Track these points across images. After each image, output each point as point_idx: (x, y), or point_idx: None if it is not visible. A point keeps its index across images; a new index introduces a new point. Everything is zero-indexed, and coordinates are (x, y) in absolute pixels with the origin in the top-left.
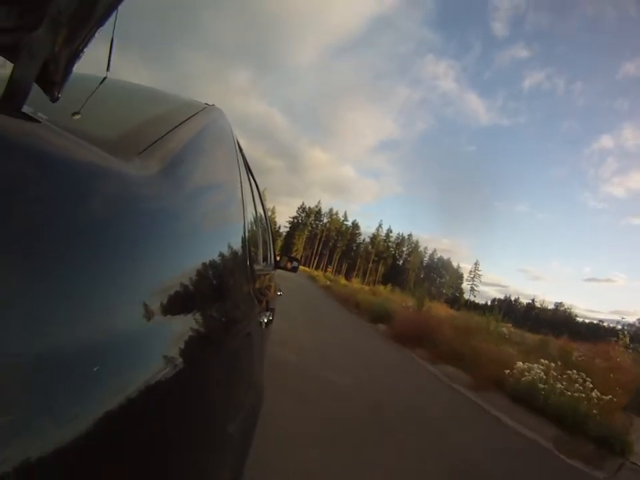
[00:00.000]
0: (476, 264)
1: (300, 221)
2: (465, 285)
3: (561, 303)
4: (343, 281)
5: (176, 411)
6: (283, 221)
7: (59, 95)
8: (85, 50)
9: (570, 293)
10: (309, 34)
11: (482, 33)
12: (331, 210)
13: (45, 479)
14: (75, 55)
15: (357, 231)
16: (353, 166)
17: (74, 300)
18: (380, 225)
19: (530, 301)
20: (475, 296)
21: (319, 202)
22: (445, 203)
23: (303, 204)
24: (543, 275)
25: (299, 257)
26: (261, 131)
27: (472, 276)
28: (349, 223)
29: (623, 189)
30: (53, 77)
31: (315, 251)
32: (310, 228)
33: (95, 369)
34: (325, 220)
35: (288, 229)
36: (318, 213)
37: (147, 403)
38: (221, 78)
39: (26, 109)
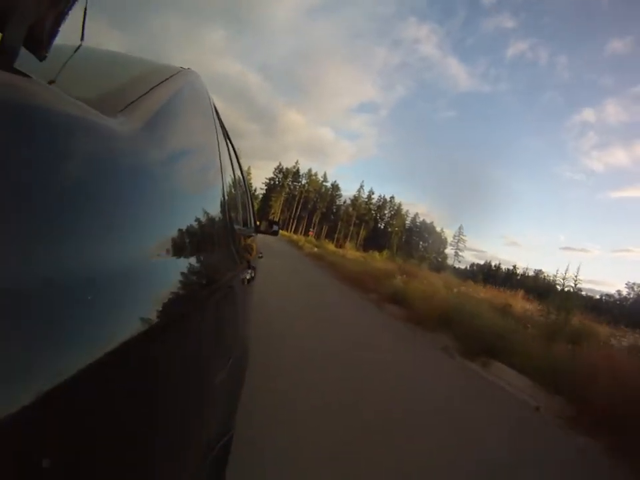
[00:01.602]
0: (460, 228)
1: (277, 182)
2: (448, 250)
3: (540, 270)
4: (330, 246)
5: (163, 359)
6: (258, 183)
7: (46, 54)
8: (69, 12)
9: (545, 260)
10: None
11: None
12: (309, 170)
13: (32, 413)
14: (61, 17)
15: (337, 193)
16: (330, 127)
17: (54, 250)
18: (361, 187)
19: (511, 267)
20: (459, 262)
21: (296, 162)
22: (422, 167)
23: (280, 164)
24: (519, 241)
25: (276, 220)
26: (235, 93)
27: (456, 240)
28: (329, 184)
29: (602, 163)
30: (39, 38)
31: (293, 213)
32: (288, 189)
33: (63, 333)
34: (304, 181)
35: (264, 191)
36: (296, 173)
37: (131, 356)
38: (193, 39)
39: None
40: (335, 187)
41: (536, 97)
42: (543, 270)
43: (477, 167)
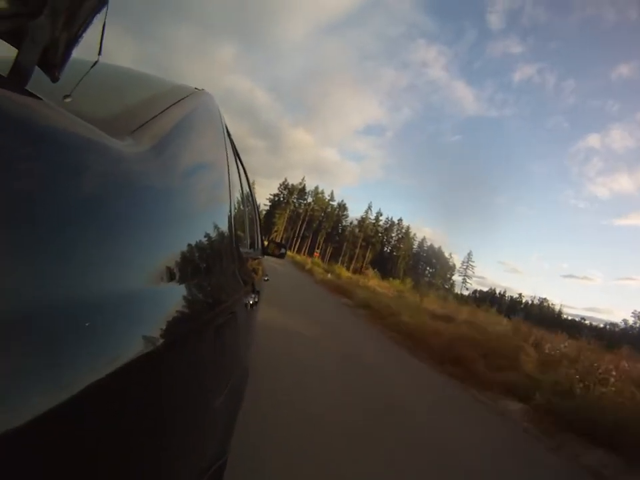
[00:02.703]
0: (469, 254)
1: (282, 199)
2: (456, 277)
3: (545, 298)
4: (343, 271)
5: (159, 383)
6: (262, 199)
7: (59, 76)
8: (83, 35)
9: (547, 287)
10: (297, 10)
11: (476, 22)
12: (316, 188)
13: (29, 439)
14: (74, 40)
15: (343, 213)
16: (336, 148)
17: (62, 270)
18: (369, 207)
19: (517, 295)
20: (467, 289)
21: (303, 179)
22: (426, 190)
23: (285, 180)
24: (520, 267)
25: (279, 238)
26: (243, 108)
27: (465, 267)
28: (335, 204)
29: (607, 189)
30: (53, 60)
31: (296, 232)
32: (292, 207)
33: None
34: (310, 199)
35: (268, 208)
36: (302, 190)
37: (130, 376)
38: (204, 53)
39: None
40: (342, 206)
41: (541, 122)
42: (547, 298)
43: (479, 192)
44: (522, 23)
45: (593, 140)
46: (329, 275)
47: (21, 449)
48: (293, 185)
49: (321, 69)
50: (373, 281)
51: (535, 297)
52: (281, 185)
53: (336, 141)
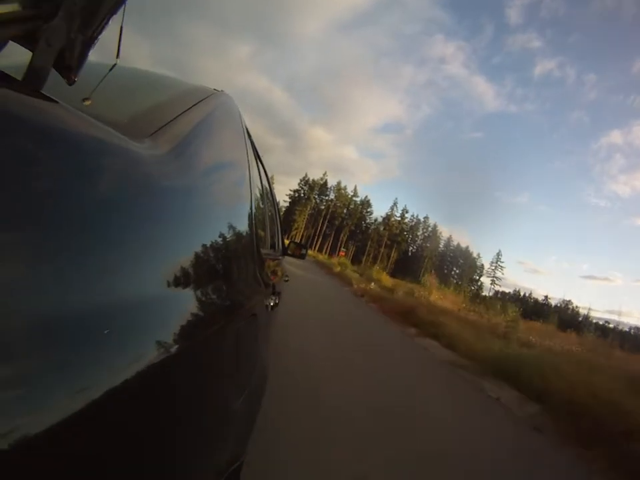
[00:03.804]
0: (498, 254)
1: (302, 195)
2: (484, 278)
3: (570, 300)
4: (384, 277)
5: (180, 385)
6: (281, 196)
7: (75, 79)
8: (99, 37)
9: (567, 288)
10: (314, 6)
11: (495, 16)
12: (338, 183)
13: (49, 442)
14: (90, 42)
15: (367, 210)
16: (355, 146)
17: (83, 273)
18: (395, 204)
19: (543, 297)
20: (494, 290)
21: (324, 174)
22: (445, 189)
23: (306, 175)
24: (540, 268)
25: (299, 236)
26: (260, 107)
27: (493, 267)
28: (358, 200)
29: (629, 187)
30: (69, 63)
31: (318, 230)
32: (313, 203)
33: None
34: (332, 195)
35: (287, 204)
36: (323, 186)
37: (151, 378)
38: (221, 51)
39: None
40: (366, 203)
41: (562, 118)
42: (572, 300)
43: (500, 190)
44: (541, 16)
45: (615, 136)
46: (372, 285)
47: (43, 453)
48: (314, 180)
49: (339, 67)
50: (435, 294)
51: (563, 300)
52: (301, 181)
53: (354, 139)
